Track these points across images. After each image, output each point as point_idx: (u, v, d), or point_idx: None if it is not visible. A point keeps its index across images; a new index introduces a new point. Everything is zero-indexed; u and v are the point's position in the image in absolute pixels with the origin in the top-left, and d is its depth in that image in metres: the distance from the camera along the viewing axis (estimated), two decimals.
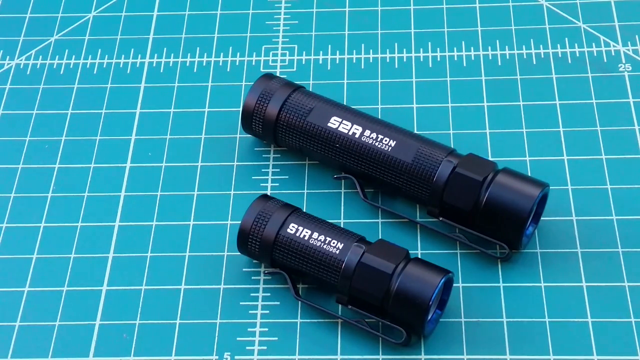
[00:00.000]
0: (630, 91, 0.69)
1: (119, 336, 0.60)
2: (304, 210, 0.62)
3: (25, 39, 0.75)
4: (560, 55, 0.71)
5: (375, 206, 0.64)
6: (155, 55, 0.73)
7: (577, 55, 0.71)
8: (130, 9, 0.76)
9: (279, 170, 0.66)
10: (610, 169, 0.65)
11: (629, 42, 0.71)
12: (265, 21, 0.75)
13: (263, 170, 0.66)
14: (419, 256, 0.61)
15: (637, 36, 0.72)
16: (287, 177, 0.66)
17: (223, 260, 0.63)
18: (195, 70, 0.72)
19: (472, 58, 0.71)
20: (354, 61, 0.72)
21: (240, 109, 0.68)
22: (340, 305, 0.60)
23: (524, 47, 0.72)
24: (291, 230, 0.60)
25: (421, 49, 0.72)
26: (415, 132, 0.65)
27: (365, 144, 0.63)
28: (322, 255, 0.59)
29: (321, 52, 0.73)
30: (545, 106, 0.68)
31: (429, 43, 0.72)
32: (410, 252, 0.60)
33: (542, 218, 0.62)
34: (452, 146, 0.64)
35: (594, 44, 0.71)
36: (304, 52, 0.73)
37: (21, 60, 0.74)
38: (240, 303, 0.61)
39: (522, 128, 0.67)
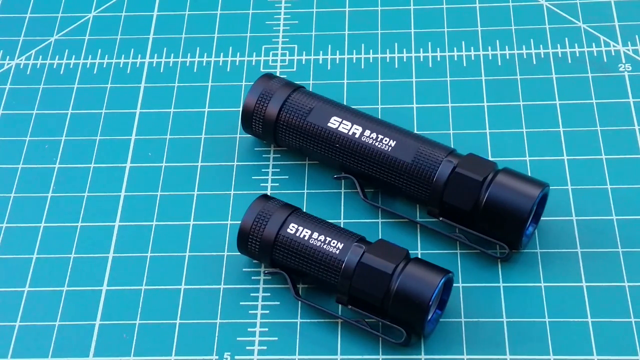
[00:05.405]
0: (630, 91, 0.69)
1: (119, 336, 0.60)
2: (304, 210, 0.62)
3: (25, 39, 0.75)
4: (560, 55, 0.71)
5: (375, 206, 0.64)
6: (155, 55, 0.73)
7: (577, 55, 0.71)
8: (130, 9, 0.76)
9: (279, 170, 0.66)
10: (610, 169, 0.65)
11: (629, 42, 0.71)
12: (265, 21, 0.75)
13: (263, 170, 0.66)
14: (419, 256, 0.61)
15: (637, 36, 0.72)
16: (287, 177, 0.66)
17: (223, 260, 0.63)
18: (195, 70, 0.72)
19: (472, 58, 0.71)
20: (354, 61, 0.72)
21: (240, 109, 0.68)
22: (340, 305, 0.60)
23: (524, 47, 0.72)
24: (291, 230, 0.60)
25: (421, 49, 0.72)
26: (415, 132, 0.66)
27: (365, 144, 0.63)
28: (322, 255, 0.59)
29: (321, 52, 0.73)
30: (545, 106, 0.68)
31: (429, 43, 0.73)
32: (410, 252, 0.60)
33: (542, 218, 0.62)
34: (452, 146, 0.64)
35: (594, 44, 0.71)
36: (304, 52, 0.73)
37: (21, 60, 0.74)
38: (240, 303, 0.61)
39: (522, 128, 0.67)
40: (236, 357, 0.59)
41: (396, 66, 0.71)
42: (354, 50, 0.73)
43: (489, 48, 0.72)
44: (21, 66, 0.73)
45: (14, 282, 0.62)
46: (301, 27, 0.74)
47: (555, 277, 0.61)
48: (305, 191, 0.65)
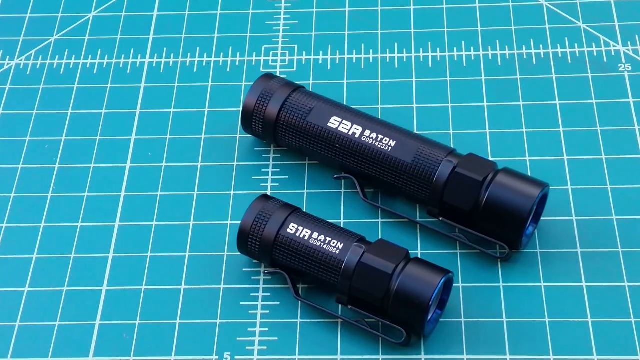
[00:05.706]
0: (630, 91, 0.69)
1: (119, 336, 0.60)
2: (304, 210, 0.62)
3: (25, 39, 0.75)
4: (560, 55, 0.71)
5: (375, 206, 0.64)
6: (155, 55, 0.73)
7: (577, 55, 0.71)
8: (130, 9, 0.76)
9: (279, 170, 0.66)
10: (610, 169, 0.65)
11: (629, 42, 0.71)
12: (265, 21, 0.75)
13: (263, 170, 0.66)
14: (419, 256, 0.61)
15: (637, 36, 0.72)
16: (287, 177, 0.66)
17: (223, 260, 0.63)
18: (195, 70, 0.72)
19: (472, 58, 0.71)
20: (354, 61, 0.72)
21: (240, 109, 0.68)
22: (340, 305, 0.60)
23: (524, 47, 0.72)
24: (291, 230, 0.60)
25: (421, 49, 0.72)
26: (415, 132, 0.66)
27: (365, 144, 0.63)
28: (322, 255, 0.59)
29: (321, 52, 0.73)
30: (545, 106, 0.68)
31: (429, 43, 0.73)
32: (410, 252, 0.60)
33: (542, 218, 0.62)
34: (452, 146, 0.64)
35: (594, 44, 0.71)
36: (304, 52, 0.73)
37: (21, 60, 0.74)
38: (240, 303, 0.61)
39: (522, 128, 0.67)
40: (236, 357, 0.59)
41: (396, 66, 0.71)
42: (354, 50, 0.73)
43: (489, 48, 0.72)
44: (21, 66, 0.73)
45: (14, 282, 0.62)
46: (301, 27, 0.74)
47: (555, 277, 0.61)
48: (305, 191, 0.65)
